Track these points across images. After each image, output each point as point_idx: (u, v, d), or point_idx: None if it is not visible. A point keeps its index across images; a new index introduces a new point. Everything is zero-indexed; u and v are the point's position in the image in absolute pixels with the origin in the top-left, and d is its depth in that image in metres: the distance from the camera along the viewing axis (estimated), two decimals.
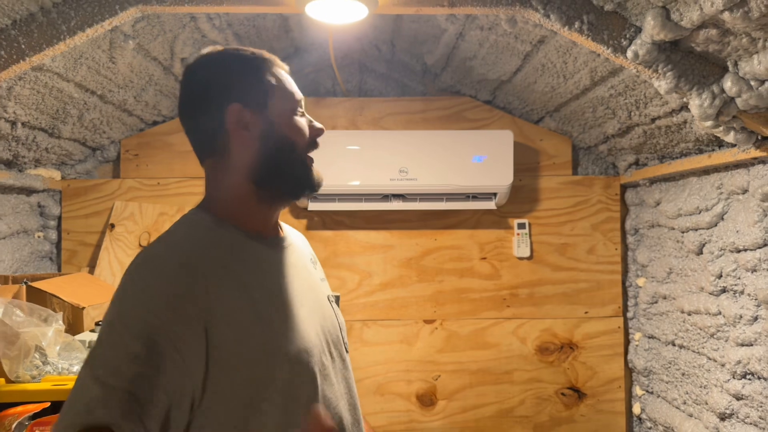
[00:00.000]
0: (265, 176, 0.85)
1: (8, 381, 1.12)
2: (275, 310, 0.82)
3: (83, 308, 1.19)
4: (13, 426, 1.01)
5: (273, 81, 0.86)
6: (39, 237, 2.08)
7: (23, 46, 1.24)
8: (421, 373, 2.17)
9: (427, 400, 2.16)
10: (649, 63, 1.29)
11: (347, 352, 0.95)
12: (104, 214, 2.13)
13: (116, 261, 2.05)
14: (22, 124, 1.67)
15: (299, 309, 0.85)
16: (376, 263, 2.17)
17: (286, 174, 0.87)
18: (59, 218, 2.13)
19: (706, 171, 1.72)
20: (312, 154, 0.91)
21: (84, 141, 2.02)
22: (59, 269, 2.13)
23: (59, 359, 1.11)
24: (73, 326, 1.34)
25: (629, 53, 1.29)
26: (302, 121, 0.89)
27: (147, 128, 2.17)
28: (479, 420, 2.16)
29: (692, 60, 1.29)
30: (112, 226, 2.09)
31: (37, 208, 2.08)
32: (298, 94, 0.89)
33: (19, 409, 1.05)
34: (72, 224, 2.12)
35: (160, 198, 2.15)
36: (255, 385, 0.76)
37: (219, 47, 0.89)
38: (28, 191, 2.01)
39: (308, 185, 0.90)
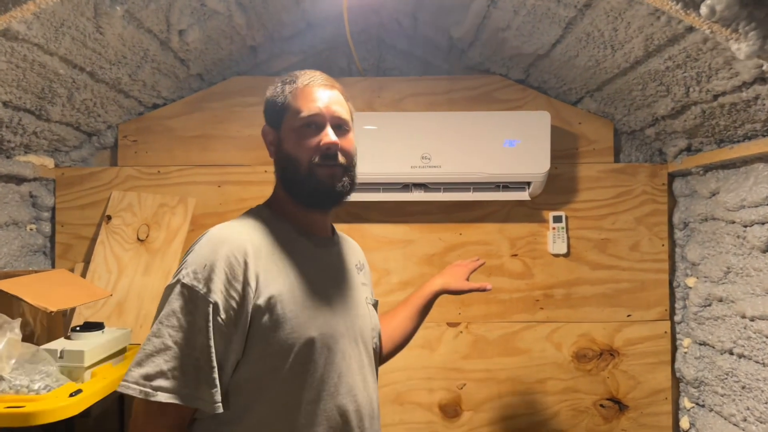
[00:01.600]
0: (284, 185, 1.01)
1: None
2: (310, 294, 0.94)
3: (51, 312, 1.02)
4: None
5: (286, 101, 0.99)
6: (31, 230, 1.93)
7: None
8: (444, 381, 1.97)
9: (450, 410, 1.96)
10: (728, 21, 1.06)
11: (377, 356, 1.07)
12: (101, 204, 1.96)
13: (112, 256, 1.88)
14: (3, 103, 1.51)
15: (331, 299, 0.97)
16: (395, 260, 1.98)
17: (295, 186, 0.99)
18: (53, 209, 1.97)
19: None
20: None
21: (77, 125, 1.85)
22: (53, 264, 1.97)
23: (17, 374, 0.93)
24: (51, 331, 1.16)
25: (704, 9, 1.06)
26: (306, 136, 0.96)
27: (147, 111, 2.00)
28: None
29: None
30: (109, 217, 1.93)
31: (28, 198, 1.92)
32: (306, 110, 0.96)
33: None
34: (67, 216, 1.96)
35: (160, 188, 1.98)
36: (280, 355, 0.88)
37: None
38: (18, 180, 1.85)
39: (317, 199, 0.99)
